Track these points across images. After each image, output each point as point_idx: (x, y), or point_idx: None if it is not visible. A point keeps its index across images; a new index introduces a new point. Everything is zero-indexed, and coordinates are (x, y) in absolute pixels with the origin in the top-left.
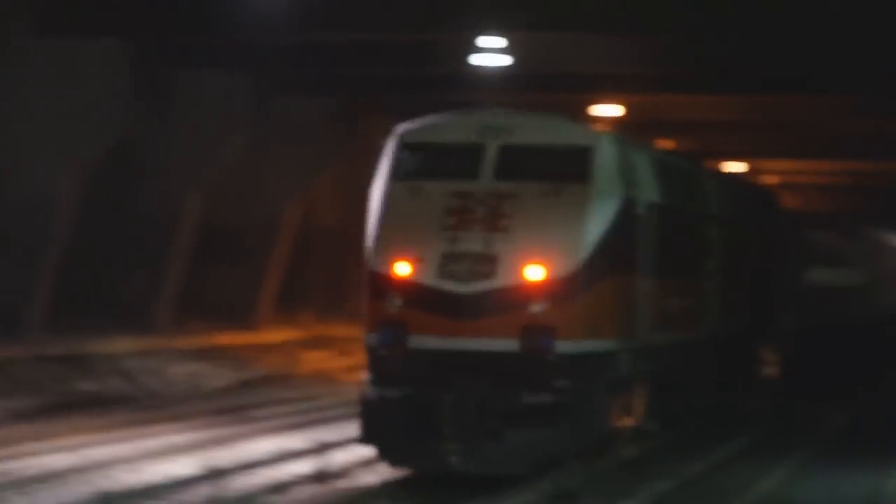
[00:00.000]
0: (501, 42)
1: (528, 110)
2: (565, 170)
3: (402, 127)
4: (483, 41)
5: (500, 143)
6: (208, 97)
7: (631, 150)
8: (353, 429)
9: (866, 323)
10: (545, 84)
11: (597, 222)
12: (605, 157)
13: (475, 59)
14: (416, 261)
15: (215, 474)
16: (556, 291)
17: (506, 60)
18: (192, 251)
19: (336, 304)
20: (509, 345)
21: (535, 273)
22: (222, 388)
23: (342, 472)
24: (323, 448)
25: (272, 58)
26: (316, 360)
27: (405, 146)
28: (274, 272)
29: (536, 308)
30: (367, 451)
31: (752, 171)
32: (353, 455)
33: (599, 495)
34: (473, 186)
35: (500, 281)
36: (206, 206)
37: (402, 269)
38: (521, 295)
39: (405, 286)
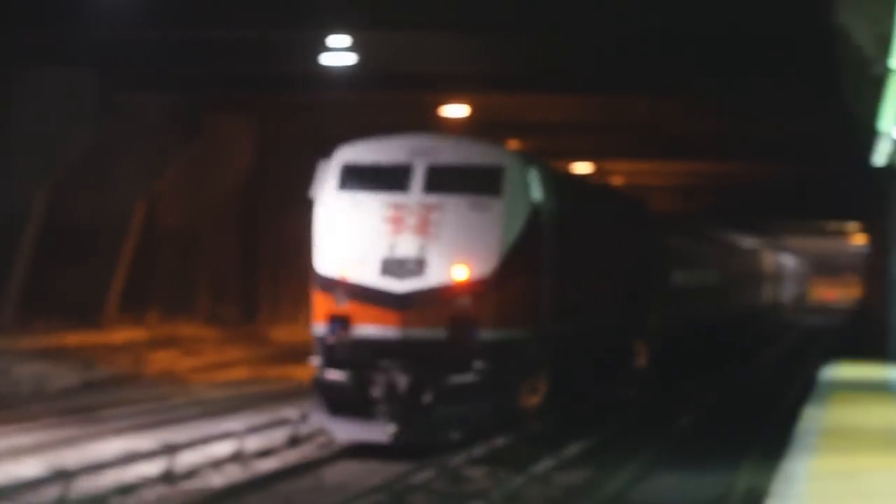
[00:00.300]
0: (347, 41)
1: (374, 107)
2: (482, 185)
3: (343, 148)
4: (331, 40)
5: (428, 163)
6: (52, 93)
7: (535, 169)
8: (202, 429)
9: (721, 321)
10: (393, 83)
11: (510, 229)
12: (515, 175)
13: (324, 59)
14: (359, 263)
15: (63, 476)
16: (477, 289)
17: (352, 59)
18: (37, 250)
19: (183, 304)
20: (438, 334)
21: (459, 273)
22: (69, 388)
23: (190, 473)
24: (171, 449)
25: (118, 54)
26: (163, 360)
27: (346, 165)
28: (120, 272)
29: (461, 303)
30: (216, 451)
31: (598, 172)
32: (202, 455)
33: (454, 493)
34: (406, 199)
35: (430, 280)
36: (52, 204)
37: (347, 270)
38: (448, 292)
39: (349, 285)
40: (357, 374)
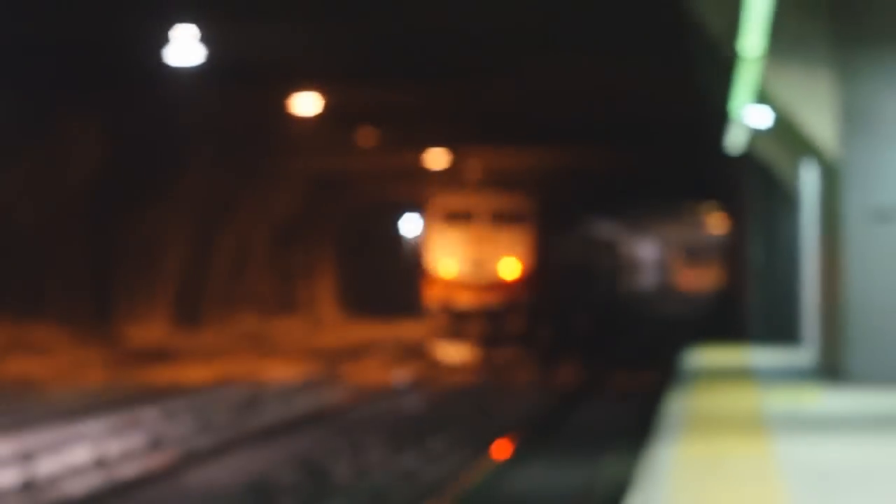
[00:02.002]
0: (194, 35)
1: (224, 100)
2: (518, 218)
3: (440, 197)
4: (178, 34)
5: (486, 206)
6: None
7: (545, 211)
8: (59, 434)
9: (614, 301)
10: (241, 76)
11: (541, 241)
12: (535, 210)
13: (171, 54)
14: (455, 262)
15: None
16: (529, 276)
17: (199, 53)
18: None
19: (34, 305)
20: (506, 305)
21: (510, 270)
22: None
23: (50, 481)
24: (28, 456)
25: None
26: (15, 363)
27: (444, 208)
28: None
29: (517, 287)
30: (75, 457)
31: (455, 159)
32: (60, 462)
33: (317, 492)
34: (477, 228)
35: (494, 274)
36: None
37: (450, 268)
38: (507, 283)
39: (451, 280)
40: (458, 326)
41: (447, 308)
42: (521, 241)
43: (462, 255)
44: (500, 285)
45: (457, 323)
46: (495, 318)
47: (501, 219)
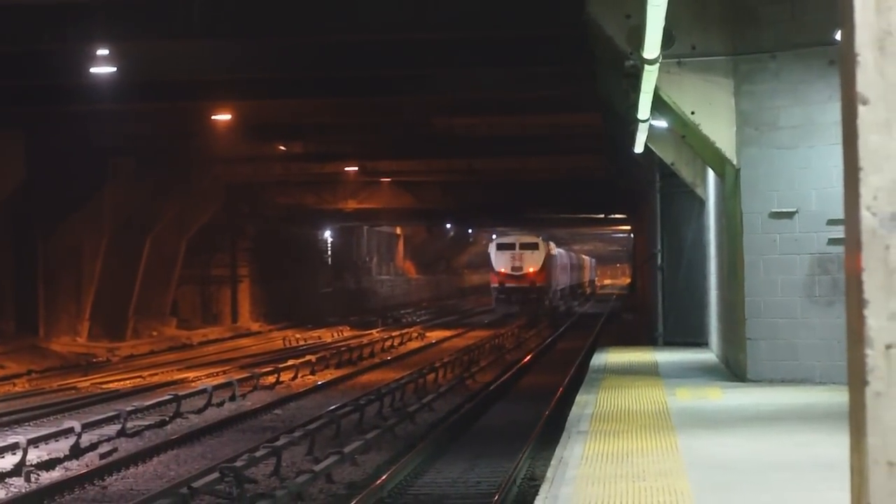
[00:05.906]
0: (108, 52)
1: (143, 115)
2: (533, 247)
3: (495, 237)
4: (95, 51)
5: (520, 241)
6: None
7: (544, 241)
8: None
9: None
10: (158, 92)
11: (542, 259)
12: (540, 244)
13: (89, 70)
14: (506, 266)
15: None
16: (538, 272)
17: (115, 70)
18: None
19: None
20: (529, 285)
21: (533, 268)
22: None
23: None
24: None
25: None
26: None
27: (497, 242)
28: None
29: (534, 277)
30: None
31: (363, 171)
32: None
33: (240, 495)
34: (515, 251)
35: (525, 270)
36: None
37: (503, 268)
38: (530, 273)
39: (503, 272)
40: (506, 295)
41: (502, 287)
42: (536, 256)
43: (508, 262)
44: (527, 277)
45: (506, 295)
46: (525, 293)
47: (526, 245)
